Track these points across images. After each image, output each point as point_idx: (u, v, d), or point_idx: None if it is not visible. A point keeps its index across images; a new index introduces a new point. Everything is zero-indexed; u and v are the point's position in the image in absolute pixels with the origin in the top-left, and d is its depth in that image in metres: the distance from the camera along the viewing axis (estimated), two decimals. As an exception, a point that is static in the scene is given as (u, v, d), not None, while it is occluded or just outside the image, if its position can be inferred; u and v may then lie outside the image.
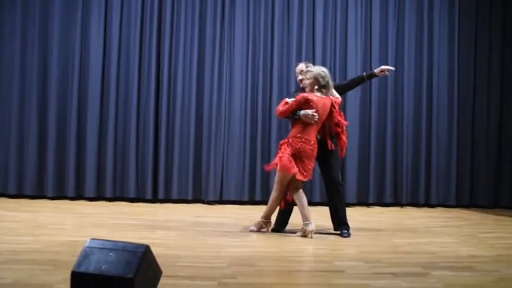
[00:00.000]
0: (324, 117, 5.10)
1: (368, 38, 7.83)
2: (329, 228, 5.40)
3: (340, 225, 5.26)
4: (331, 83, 5.15)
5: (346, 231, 5.20)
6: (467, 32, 7.92)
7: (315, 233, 5.11)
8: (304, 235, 5.04)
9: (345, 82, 5.75)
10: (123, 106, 7.55)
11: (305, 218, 5.08)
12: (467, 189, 7.83)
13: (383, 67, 5.40)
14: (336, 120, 5.14)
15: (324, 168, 5.32)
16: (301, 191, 5.18)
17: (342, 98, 5.37)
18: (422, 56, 7.87)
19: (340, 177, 5.39)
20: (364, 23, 7.83)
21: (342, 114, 5.26)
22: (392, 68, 5.34)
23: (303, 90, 5.29)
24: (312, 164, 5.13)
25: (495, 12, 7.91)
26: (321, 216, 5.76)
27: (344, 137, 5.19)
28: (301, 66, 5.47)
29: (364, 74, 5.54)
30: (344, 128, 5.21)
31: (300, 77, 5.39)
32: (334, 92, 5.22)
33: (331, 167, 5.26)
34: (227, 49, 7.67)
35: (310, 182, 6.51)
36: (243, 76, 7.70)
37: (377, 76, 5.49)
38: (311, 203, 7.28)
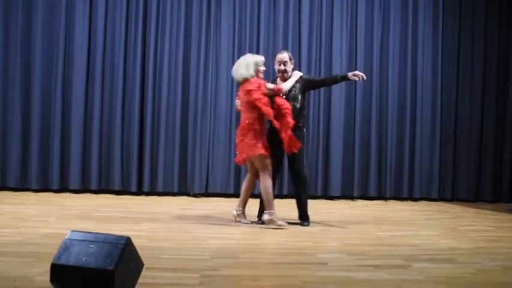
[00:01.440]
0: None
1: (353, 30, 7.81)
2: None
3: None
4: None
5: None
6: (450, 27, 7.95)
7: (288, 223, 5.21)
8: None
9: (322, 78, 5.78)
10: (108, 99, 7.47)
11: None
12: (450, 183, 7.89)
13: (356, 72, 5.33)
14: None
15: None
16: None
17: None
18: (407, 52, 7.88)
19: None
20: (350, 16, 7.80)
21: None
22: (364, 77, 5.29)
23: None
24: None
25: (478, 5, 7.94)
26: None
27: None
28: (285, 55, 5.40)
29: (338, 76, 5.50)
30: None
31: (282, 67, 5.34)
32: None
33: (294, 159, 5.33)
34: (213, 43, 7.61)
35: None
36: (229, 70, 7.58)
37: (349, 80, 5.39)
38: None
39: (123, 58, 7.46)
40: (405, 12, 7.89)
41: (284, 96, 5.27)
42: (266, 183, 5.17)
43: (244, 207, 5.41)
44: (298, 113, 5.29)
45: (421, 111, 7.87)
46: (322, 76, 5.95)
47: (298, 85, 5.33)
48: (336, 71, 7.55)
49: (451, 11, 7.95)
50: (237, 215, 5.39)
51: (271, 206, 5.16)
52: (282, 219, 5.27)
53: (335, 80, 5.51)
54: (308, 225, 5.33)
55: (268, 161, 5.19)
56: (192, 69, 7.57)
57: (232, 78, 7.59)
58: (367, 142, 7.77)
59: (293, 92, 5.31)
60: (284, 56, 5.38)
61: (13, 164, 7.29)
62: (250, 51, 7.60)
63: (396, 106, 7.86)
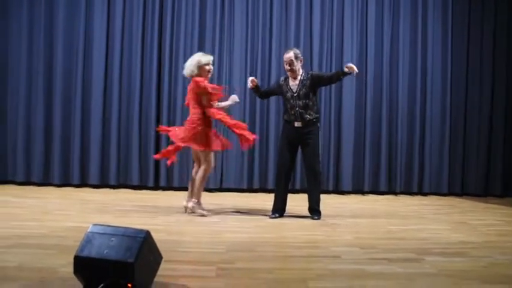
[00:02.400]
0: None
1: (364, 28, 7.74)
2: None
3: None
4: None
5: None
6: (460, 23, 7.83)
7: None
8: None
9: (329, 75, 5.52)
10: (125, 98, 7.52)
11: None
12: (459, 178, 7.81)
13: (349, 64, 5.21)
14: None
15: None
16: None
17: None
18: (417, 49, 7.80)
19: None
20: (360, 12, 7.73)
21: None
22: (356, 70, 5.19)
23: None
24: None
25: (487, 3, 7.83)
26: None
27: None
28: (291, 55, 5.35)
29: (340, 71, 5.38)
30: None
31: (287, 67, 5.34)
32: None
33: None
34: (227, 43, 7.60)
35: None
36: (242, 70, 7.63)
37: (347, 73, 5.26)
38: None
39: (140, 59, 7.49)
40: (415, 7, 7.79)
41: (295, 95, 5.28)
42: (203, 174, 5.43)
43: (198, 197, 5.48)
44: (310, 110, 5.28)
45: (431, 108, 7.79)
46: (327, 73, 5.82)
47: (308, 83, 5.29)
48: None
49: (460, 7, 7.83)
50: (192, 207, 5.43)
51: (198, 196, 5.45)
52: (291, 214, 5.28)
53: (338, 76, 5.39)
54: (318, 219, 5.31)
55: (210, 156, 5.44)
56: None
57: (245, 74, 7.66)
58: (377, 138, 7.71)
59: (304, 89, 5.28)
60: (290, 55, 5.32)
61: (37, 161, 7.37)
62: (263, 51, 7.64)
63: (406, 102, 7.79)
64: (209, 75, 5.49)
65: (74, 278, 2.83)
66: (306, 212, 5.47)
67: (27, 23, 7.41)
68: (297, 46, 7.57)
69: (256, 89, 5.61)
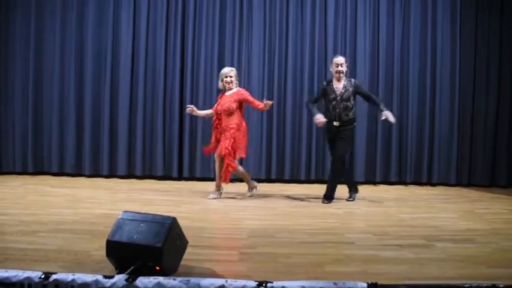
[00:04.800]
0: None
1: (376, 28, 7.64)
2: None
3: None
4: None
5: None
6: (468, 17, 7.65)
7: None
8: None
9: (368, 94, 5.79)
10: (150, 95, 7.58)
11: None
12: (467, 169, 7.69)
13: (389, 115, 5.48)
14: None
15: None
16: None
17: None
18: (426, 46, 7.66)
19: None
20: (372, 12, 7.63)
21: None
22: (393, 121, 5.57)
23: (330, 81, 5.65)
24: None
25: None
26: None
27: None
28: (342, 59, 5.66)
29: (381, 105, 5.63)
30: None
31: (339, 68, 5.57)
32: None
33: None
34: (245, 43, 7.58)
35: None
36: (259, 68, 7.61)
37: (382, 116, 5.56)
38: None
39: (163, 59, 7.52)
40: (424, 7, 7.67)
41: (338, 98, 5.54)
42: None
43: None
44: (349, 112, 5.57)
45: (440, 103, 7.67)
46: (370, 93, 5.91)
47: (350, 89, 5.58)
48: (360, 68, 7.53)
49: (468, 5, 7.68)
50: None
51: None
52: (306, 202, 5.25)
53: (375, 106, 5.73)
54: (328, 203, 5.50)
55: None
56: (226, 64, 7.55)
57: (263, 71, 7.64)
58: (388, 131, 7.64)
59: (346, 93, 5.56)
60: (341, 59, 5.64)
61: (69, 153, 7.50)
62: (280, 51, 7.60)
63: (416, 97, 7.67)
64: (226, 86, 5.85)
65: (106, 260, 2.88)
66: (320, 200, 5.46)
67: (60, 25, 7.51)
68: (312, 44, 7.57)
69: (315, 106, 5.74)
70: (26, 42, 7.54)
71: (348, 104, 5.57)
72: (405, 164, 7.64)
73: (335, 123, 5.55)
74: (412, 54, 7.66)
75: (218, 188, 5.86)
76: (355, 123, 5.73)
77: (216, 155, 5.81)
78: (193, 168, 7.54)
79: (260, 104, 5.74)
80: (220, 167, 5.72)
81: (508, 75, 7.69)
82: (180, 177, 7.53)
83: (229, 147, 5.62)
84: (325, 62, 7.55)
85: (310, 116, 6.03)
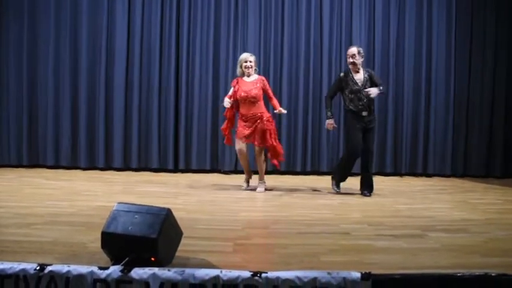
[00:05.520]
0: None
1: (372, 19, 7.63)
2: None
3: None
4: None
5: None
6: (464, 9, 7.65)
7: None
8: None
9: (376, 81, 5.69)
10: (146, 87, 7.55)
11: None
12: (462, 160, 7.73)
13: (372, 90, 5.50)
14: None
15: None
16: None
17: None
18: (422, 37, 7.66)
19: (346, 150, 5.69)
20: (368, 6, 7.62)
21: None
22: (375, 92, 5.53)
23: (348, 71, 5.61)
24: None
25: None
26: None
27: None
28: (354, 50, 5.59)
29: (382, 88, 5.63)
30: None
31: (350, 60, 5.54)
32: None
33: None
34: (240, 31, 7.55)
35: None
36: (255, 54, 7.57)
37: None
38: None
39: (158, 51, 7.49)
40: (420, 1, 7.66)
41: (362, 88, 5.52)
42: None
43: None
44: (372, 101, 5.63)
45: (435, 93, 7.69)
46: (379, 80, 5.82)
47: (369, 78, 5.58)
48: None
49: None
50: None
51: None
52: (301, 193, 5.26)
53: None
54: (370, 195, 5.58)
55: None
56: (222, 54, 7.54)
57: (258, 65, 7.59)
58: (383, 122, 7.65)
59: (368, 84, 5.56)
60: (353, 49, 5.60)
61: (65, 146, 7.48)
62: (275, 43, 7.58)
63: (412, 90, 7.68)
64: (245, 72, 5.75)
65: (102, 252, 2.88)
66: (315, 191, 5.48)
67: (54, 19, 7.45)
68: (307, 41, 7.55)
69: None
70: (20, 34, 7.46)
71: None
72: (400, 155, 7.67)
73: (364, 114, 5.52)
74: (408, 46, 7.67)
75: (262, 180, 5.82)
76: (375, 114, 5.84)
77: (257, 145, 5.67)
78: (189, 160, 7.54)
79: (276, 104, 5.73)
80: (260, 158, 5.70)
81: (503, 66, 7.71)
82: (175, 169, 7.53)
83: (275, 140, 5.63)
84: (321, 54, 7.55)
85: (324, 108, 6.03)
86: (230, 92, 5.77)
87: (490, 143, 7.74)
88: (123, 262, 2.64)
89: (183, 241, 3.06)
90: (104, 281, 2.48)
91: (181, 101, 7.53)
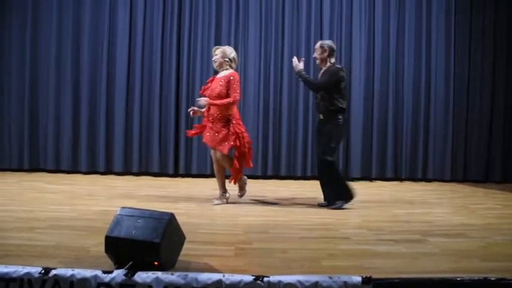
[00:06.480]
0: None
1: (372, 22, 7.68)
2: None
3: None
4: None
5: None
6: (463, 12, 7.71)
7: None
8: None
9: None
10: (147, 91, 7.59)
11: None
12: (461, 165, 7.76)
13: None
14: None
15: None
16: None
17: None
18: (421, 40, 7.71)
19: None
20: (368, 9, 7.67)
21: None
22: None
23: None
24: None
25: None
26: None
27: None
28: (317, 44, 5.25)
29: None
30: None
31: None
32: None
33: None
34: (241, 35, 7.60)
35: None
36: (255, 62, 7.64)
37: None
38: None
39: (159, 56, 7.53)
40: (419, 4, 7.71)
41: None
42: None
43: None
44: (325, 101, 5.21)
45: (435, 100, 7.73)
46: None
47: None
48: (355, 60, 7.60)
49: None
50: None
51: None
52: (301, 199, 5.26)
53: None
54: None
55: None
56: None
57: (260, 63, 7.65)
58: (384, 127, 7.70)
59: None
60: (316, 45, 5.22)
61: (66, 150, 7.50)
62: (276, 46, 7.62)
63: (411, 95, 7.73)
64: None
65: (105, 256, 2.91)
66: (316, 197, 5.51)
67: (56, 17, 7.48)
68: (308, 43, 7.58)
69: None
70: (22, 38, 7.49)
71: None
72: (400, 160, 7.71)
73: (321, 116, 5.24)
74: (407, 51, 7.72)
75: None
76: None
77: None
78: (189, 165, 7.57)
79: (225, 100, 5.01)
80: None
81: (503, 71, 7.77)
82: (176, 174, 7.56)
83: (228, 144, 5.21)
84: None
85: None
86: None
87: (490, 148, 7.78)
88: (127, 266, 2.68)
89: (185, 245, 3.10)
90: (107, 284, 2.52)
91: (182, 105, 7.57)
